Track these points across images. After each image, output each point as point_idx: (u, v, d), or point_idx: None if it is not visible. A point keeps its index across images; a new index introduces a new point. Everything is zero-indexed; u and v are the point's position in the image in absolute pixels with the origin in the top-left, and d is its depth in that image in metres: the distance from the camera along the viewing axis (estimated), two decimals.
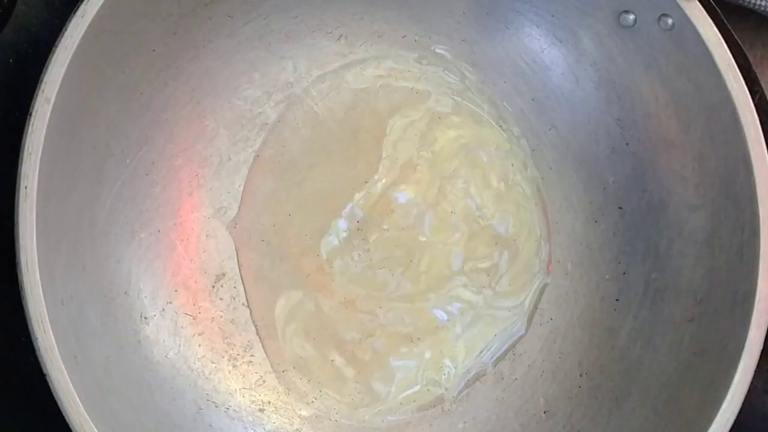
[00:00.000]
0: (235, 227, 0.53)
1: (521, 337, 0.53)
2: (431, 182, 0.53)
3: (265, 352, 0.52)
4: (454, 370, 0.52)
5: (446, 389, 0.52)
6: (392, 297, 0.53)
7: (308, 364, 0.52)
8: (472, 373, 0.52)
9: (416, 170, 0.54)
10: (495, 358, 0.53)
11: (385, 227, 0.53)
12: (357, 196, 0.53)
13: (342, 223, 0.53)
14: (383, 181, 0.53)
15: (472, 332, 0.53)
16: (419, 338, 0.52)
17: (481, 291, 0.53)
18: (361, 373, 0.52)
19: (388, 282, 0.53)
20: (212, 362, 0.51)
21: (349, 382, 0.52)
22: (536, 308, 0.53)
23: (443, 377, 0.52)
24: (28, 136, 0.40)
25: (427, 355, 0.52)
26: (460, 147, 0.54)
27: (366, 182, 0.53)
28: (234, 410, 0.50)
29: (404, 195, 0.53)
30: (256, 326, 0.52)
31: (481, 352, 0.53)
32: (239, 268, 0.52)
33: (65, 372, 0.39)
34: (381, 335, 0.52)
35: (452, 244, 0.53)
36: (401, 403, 0.52)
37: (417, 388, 0.52)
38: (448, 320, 0.53)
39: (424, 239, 0.53)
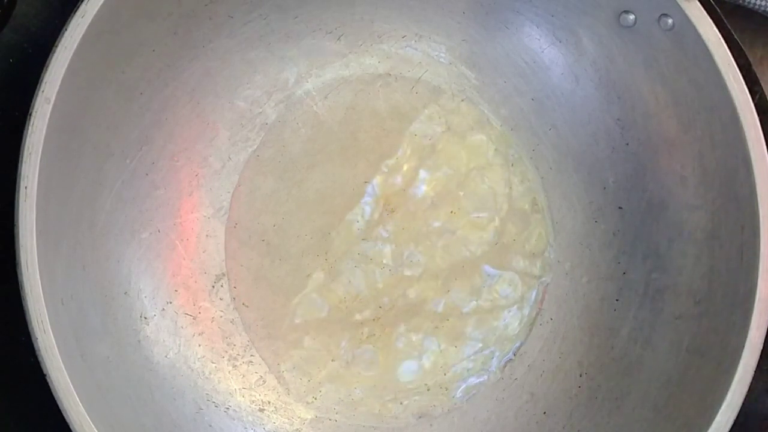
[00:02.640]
0: (235, 227, 0.52)
1: (522, 342, 0.53)
2: (429, 183, 0.53)
3: (265, 352, 0.52)
4: (456, 370, 0.52)
5: (447, 389, 0.52)
6: (394, 297, 0.53)
7: (308, 364, 0.52)
8: (474, 374, 0.52)
9: (414, 170, 0.54)
10: (503, 362, 0.53)
11: (385, 229, 0.53)
12: (358, 198, 0.53)
13: (343, 224, 0.53)
14: (384, 182, 0.53)
15: (474, 333, 0.53)
16: (421, 339, 0.52)
17: (482, 292, 0.53)
18: (362, 373, 0.52)
19: (389, 283, 0.53)
20: (212, 362, 0.51)
21: (350, 382, 0.52)
22: (539, 310, 0.53)
23: (445, 378, 0.52)
24: (28, 136, 0.40)
25: (430, 356, 0.52)
26: (460, 147, 0.54)
27: (365, 182, 0.53)
28: (234, 410, 0.50)
29: (405, 196, 0.53)
30: (256, 326, 0.52)
31: (482, 352, 0.53)
32: (239, 268, 0.52)
33: (65, 372, 0.39)
34: (382, 335, 0.52)
35: (452, 246, 0.53)
36: (402, 404, 0.52)
37: (419, 389, 0.52)
38: (449, 321, 0.53)
39: (424, 242, 0.53)
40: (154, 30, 0.46)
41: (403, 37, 0.54)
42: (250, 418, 0.51)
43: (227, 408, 0.50)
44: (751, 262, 0.43)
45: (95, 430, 0.40)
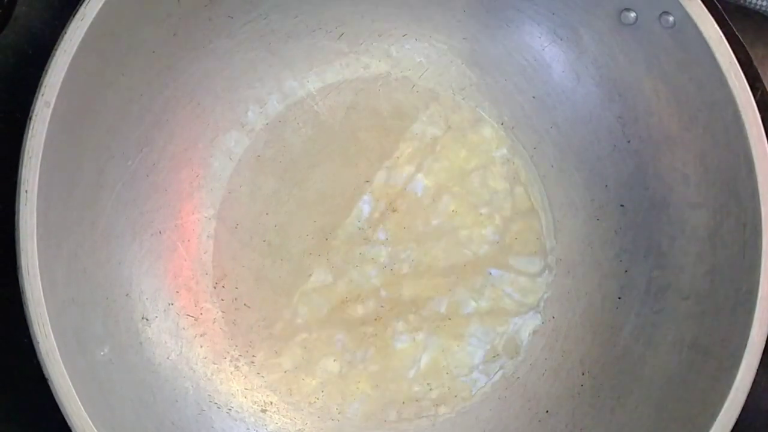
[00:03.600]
0: (236, 227, 0.53)
1: (524, 341, 0.53)
2: (431, 182, 0.53)
3: (267, 353, 0.52)
4: (458, 369, 0.52)
5: (449, 389, 0.52)
6: (395, 297, 0.53)
7: (310, 364, 0.52)
8: (476, 373, 0.52)
9: (415, 169, 0.54)
10: (505, 361, 0.53)
11: (386, 228, 0.53)
12: (359, 198, 0.53)
13: (344, 224, 0.53)
14: (385, 181, 0.53)
15: (476, 332, 0.53)
16: (423, 338, 0.52)
17: (483, 291, 0.53)
18: (364, 372, 0.52)
19: (390, 282, 0.53)
20: (214, 363, 0.51)
21: (351, 382, 0.52)
22: (541, 309, 0.53)
23: (447, 377, 0.52)
24: (28, 140, 0.40)
25: (431, 355, 0.52)
26: (461, 146, 0.54)
27: (366, 182, 0.53)
28: (236, 411, 0.50)
29: (406, 195, 0.53)
30: (258, 326, 0.52)
31: (484, 351, 0.53)
32: (240, 269, 0.52)
33: (67, 375, 0.40)
34: (384, 335, 0.52)
35: (453, 245, 0.53)
36: (404, 403, 0.52)
37: (420, 388, 0.52)
38: (451, 321, 0.53)
39: (425, 242, 0.53)
40: (154, 32, 0.46)
41: (403, 36, 0.54)
42: (252, 419, 0.51)
43: (229, 409, 0.50)
44: (753, 260, 0.43)
45: None
